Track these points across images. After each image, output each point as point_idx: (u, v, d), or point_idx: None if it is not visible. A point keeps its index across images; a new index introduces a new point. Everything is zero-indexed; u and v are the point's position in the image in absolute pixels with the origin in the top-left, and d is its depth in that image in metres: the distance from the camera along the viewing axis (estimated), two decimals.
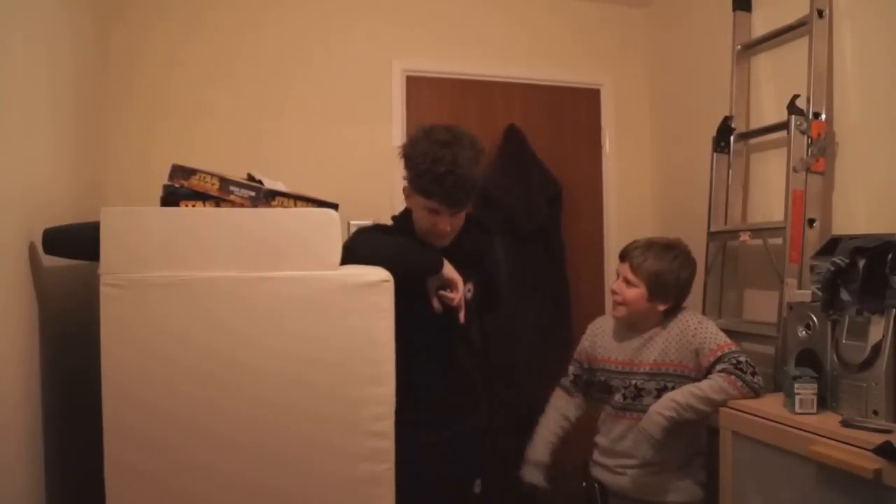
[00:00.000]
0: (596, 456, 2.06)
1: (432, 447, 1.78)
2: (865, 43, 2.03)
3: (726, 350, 1.85)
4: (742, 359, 1.82)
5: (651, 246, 1.95)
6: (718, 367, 1.82)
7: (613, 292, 2.00)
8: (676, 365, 1.90)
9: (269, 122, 2.68)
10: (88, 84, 2.15)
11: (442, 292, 1.74)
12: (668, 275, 1.92)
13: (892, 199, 1.93)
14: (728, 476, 1.80)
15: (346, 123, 2.77)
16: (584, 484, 2.07)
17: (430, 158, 1.64)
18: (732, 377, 1.79)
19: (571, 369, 2.16)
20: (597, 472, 2.05)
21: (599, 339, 2.09)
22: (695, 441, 1.95)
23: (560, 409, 2.15)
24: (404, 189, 1.80)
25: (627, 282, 1.94)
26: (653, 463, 1.89)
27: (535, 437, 2.13)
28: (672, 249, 1.96)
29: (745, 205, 2.52)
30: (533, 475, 2.09)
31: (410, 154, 1.71)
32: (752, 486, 1.73)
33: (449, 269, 1.73)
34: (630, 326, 2.01)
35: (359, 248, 1.62)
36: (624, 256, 1.99)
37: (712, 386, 1.79)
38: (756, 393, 1.80)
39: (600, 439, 2.05)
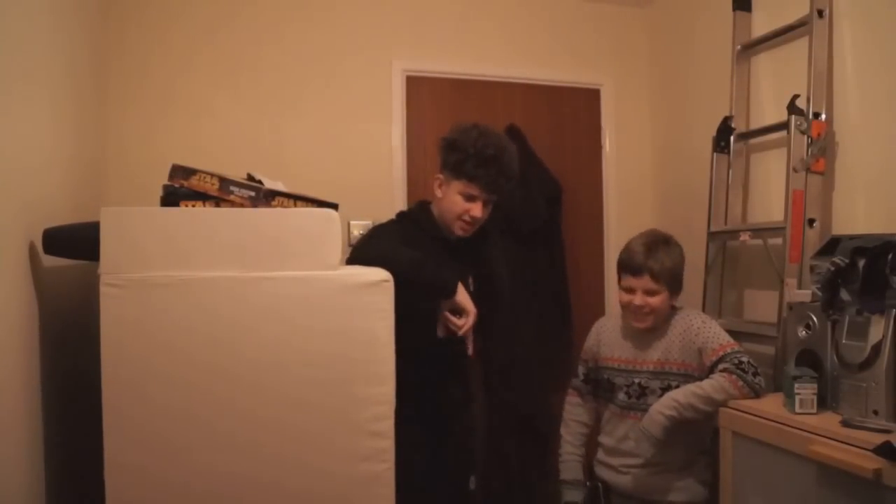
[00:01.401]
0: (600, 455, 2.06)
1: (430, 444, 1.78)
2: (865, 43, 2.03)
3: (729, 350, 1.85)
4: (744, 359, 1.82)
5: (653, 247, 1.93)
6: (720, 366, 1.83)
7: (639, 307, 1.92)
8: (680, 364, 1.91)
9: (270, 122, 2.68)
10: (89, 84, 2.16)
11: (449, 315, 1.72)
12: (678, 268, 1.95)
13: (892, 199, 1.93)
14: (728, 476, 1.80)
15: (346, 123, 2.78)
16: (587, 483, 2.07)
17: (480, 143, 1.77)
18: (734, 377, 1.79)
19: (581, 369, 2.16)
20: (601, 472, 2.04)
21: (604, 337, 2.09)
22: (699, 441, 1.94)
23: (578, 418, 2.14)
24: (437, 178, 1.87)
25: (650, 292, 1.91)
26: (657, 462, 1.89)
27: (565, 456, 2.11)
28: (668, 242, 1.96)
29: (745, 205, 2.52)
30: (572, 494, 2.07)
31: (458, 139, 1.81)
32: (752, 486, 1.73)
33: (462, 296, 1.72)
34: (626, 315, 2.01)
35: (375, 256, 1.62)
36: (637, 270, 1.91)
37: (713, 385, 1.79)
38: (757, 393, 1.80)
39: (605, 439, 2.05)
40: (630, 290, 1.93)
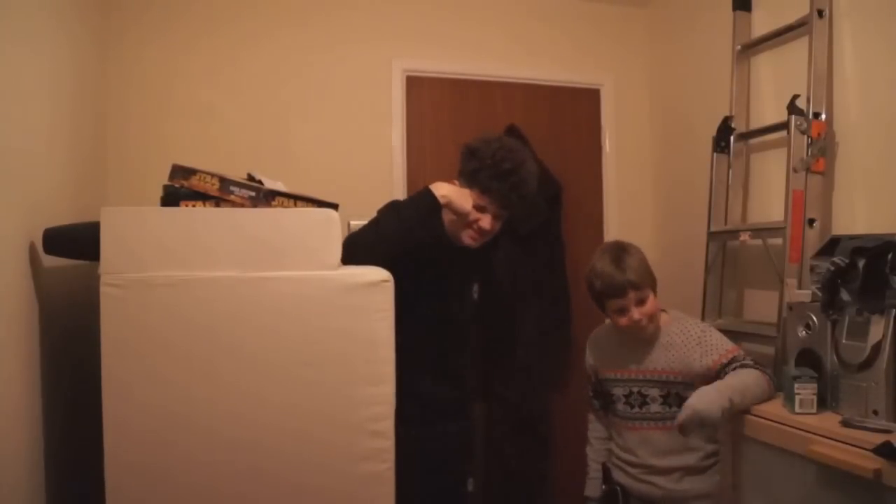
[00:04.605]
0: (615, 460, 2.06)
1: (421, 444, 1.76)
2: (865, 43, 2.03)
3: (736, 354, 1.85)
4: (754, 360, 1.83)
5: (618, 260, 1.89)
6: (733, 366, 1.82)
7: (639, 321, 1.88)
8: (678, 373, 1.89)
9: (269, 122, 2.68)
10: (89, 84, 2.16)
11: (457, 214, 1.75)
12: (647, 264, 1.93)
13: (892, 199, 1.92)
14: (728, 476, 1.80)
15: (346, 123, 2.78)
16: (604, 486, 2.06)
17: (499, 155, 1.75)
18: (758, 371, 1.79)
19: (590, 388, 2.15)
20: (617, 476, 2.03)
21: (598, 351, 2.08)
22: (714, 441, 1.91)
23: (598, 434, 2.13)
24: (452, 184, 1.84)
25: (641, 301, 1.89)
26: (674, 468, 1.89)
27: (591, 473, 2.11)
28: (625, 248, 1.94)
29: (745, 205, 2.52)
30: None
31: (479, 147, 1.79)
32: (753, 486, 1.73)
33: (440, 189, 1.72)
34: (630, 333, 1.99)
35: (357, 238, 1.64)
36: (621, 289, 1.86)
37: (755, 380, 1.76)
38: (776, 391, 1.79)
39: (615, 448, 2.04)
40: (623, 311, 1.89)
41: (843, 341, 1.62)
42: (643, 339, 1.95)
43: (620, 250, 1.93)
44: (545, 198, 2.85)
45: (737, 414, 1.74)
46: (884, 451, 1.33)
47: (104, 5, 2.40)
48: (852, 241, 1.67)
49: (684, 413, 1.68)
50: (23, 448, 1.35)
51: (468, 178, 1.80)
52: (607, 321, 2.13)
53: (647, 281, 1.91)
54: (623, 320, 1.90)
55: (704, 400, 1.68)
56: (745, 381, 1.77)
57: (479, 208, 1.79)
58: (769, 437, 1.65)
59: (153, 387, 1.27)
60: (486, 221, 1.79)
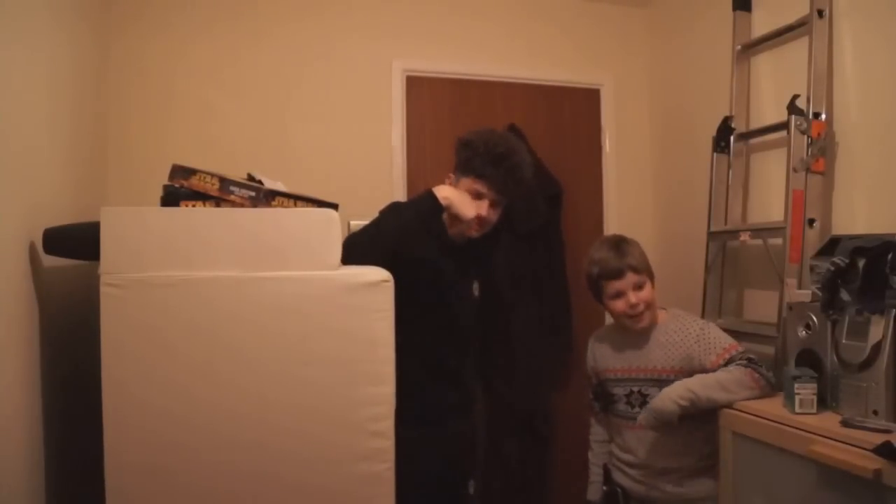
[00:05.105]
0: (615, 461, 2.06)
1: (421, 445, 1.75)
2: (865, 43, 2.03)
3: (734, 352, 1.85)
4: (752, 356, 1.83)
5: (618, 247, 1.94)
6: (731, 365, 1.82)
7: (635, 305, 1.90)
8: (678, 371, 1.89)
9: (270, 122, 2.68)
10: (89, 84, 2.16)
11: (455, 214, 1.75)
12: (646, 256, 1.96)
13: (892, 199, 1.93)
14: (728, 476, 1.80)
15: (346, 123, 2.78)
16: (604, 487, 2.06)
17: (491, 143, 1.79)
18: (748, 369, 1.79)
19: (591, 390, 2.15)
20: (617, 477, 2.04)
21: (598, 351, 2.08)
22: (712, 442, 1.91)
23: (599, 437, 2.14)
24: (448, 178, 1.88)
25: (638, 286, 1.91)
26: (672, 469, 1.89)
27: (592, 477, 2.13)
28: (624, 238, 1.98)
29: (745, 205, 2.52)
30: None
31: (471, 138, 1.82)
32: (752, 486, 1.73)
33: (441, 191, 1.74)
34: (628, 331, 2.00)
35: (356, 238, 1.65)
36: (618, 271, 1.90)
37: (732, 379, 1.78)
38: (771, 387, 1.79)
39: (616, 450, 2.04)
40: (619, 295, 1.91)
41: (843, 341, 1.62)
42: (642, 337, 1.96)
43: (619, 240, 1.97)
44: (545, 198, 2.85)
45: (712, 408, 1.79)
46: (884, 451, 1.33)
47: (104, 5, 2.40)
48: (852, 241, 1.67)
49: (643, 413, 1.82)
50: (23, 448, 1.35)
51: (463, 167, 1.82)
52: (608, 321, 2.13)
53: (646, 269, 1.93)
54: (620, 304, 1.91)
55: (662, 397, 1.78)
56: (719, 377, 1.80)
57: (475, 195, 1.79)
58: (769, 437, 1.65)
59: (153, 387, 1.27)
60: (482, 209, 1.79)
